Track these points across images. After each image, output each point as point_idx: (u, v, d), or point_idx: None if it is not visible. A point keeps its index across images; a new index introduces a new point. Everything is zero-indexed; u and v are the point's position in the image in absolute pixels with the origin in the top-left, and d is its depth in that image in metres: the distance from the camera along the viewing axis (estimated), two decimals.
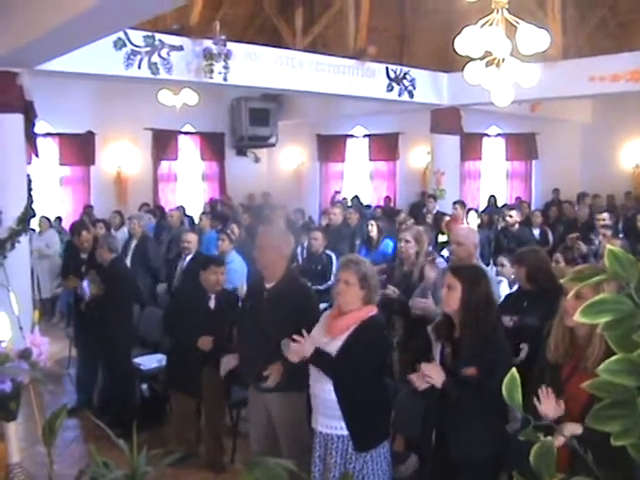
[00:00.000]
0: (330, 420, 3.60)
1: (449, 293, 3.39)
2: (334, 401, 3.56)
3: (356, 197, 15.51)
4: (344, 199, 15.23)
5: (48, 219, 10.93)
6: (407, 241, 5.46)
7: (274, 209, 11.09)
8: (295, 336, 3.57)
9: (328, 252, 7.90)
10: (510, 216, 8.78)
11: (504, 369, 1.49)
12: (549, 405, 2.62)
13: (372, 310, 3.70)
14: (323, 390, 3.60)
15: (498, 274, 6.65)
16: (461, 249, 4.97)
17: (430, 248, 5.68)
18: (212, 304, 5.30)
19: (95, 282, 6.14)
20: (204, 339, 5.05)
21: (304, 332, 3.61)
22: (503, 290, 5.61)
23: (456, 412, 3.30)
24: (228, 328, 5.17)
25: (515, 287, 5.33)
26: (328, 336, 3.66)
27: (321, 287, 7.31)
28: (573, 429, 2.39)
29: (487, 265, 7.67)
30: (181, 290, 6.33)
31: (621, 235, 8.23)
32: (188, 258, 7.35)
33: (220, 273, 5.31)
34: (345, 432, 3.56)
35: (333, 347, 3.61)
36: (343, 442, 3.58)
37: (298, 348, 3.55)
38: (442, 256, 6.84)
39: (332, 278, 7.48)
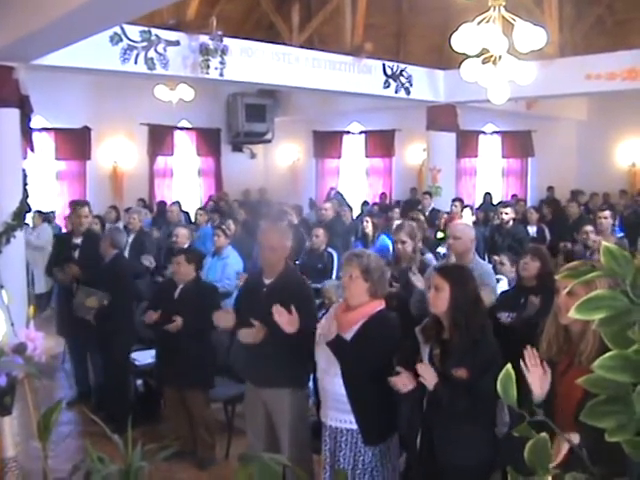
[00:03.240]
0: (339, 414, 3.61)
1: (436, 294, 3.33)
2: (343, 395, 3.57)
3: (339, 193, 15.16)
4: (338, 194, 15.09)
5: (42, 213, 10.89)
6: (403, 242, 5.41)
7: (281, 210, 10.91)
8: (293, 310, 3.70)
9: (330, 250, 7.82)
10: (505, 213, 8.77)
11: (495, 369, 1.47)
12: (537, 374, 2.60)
13: (379, 305, 3.72)
14: (332, 383, 3.61)
15: (496, 270, 6.63)
16: (458, 243, 4.98)
17: (420, 244, 5.61)
18: (176, 294, 5.34)
19: (90, 295, 5.90)
20: (150, 313, 5.22)
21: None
22: (502, 288, 5.59)
23: (444, 415, 3.25)
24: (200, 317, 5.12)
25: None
26: (337, 330, 3.67)
27: (319, 285, 7.21)
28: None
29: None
30: (160, 284, 6.50)
31: (621, 234, 8.19)
32: None
33: (176, 263, 5.35)
34: (354, 426, 3.57)
35: None
36: (352, 435, 3.58)
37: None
38: (432, 252, 6.80)
39: (333, 276, 7.43)
